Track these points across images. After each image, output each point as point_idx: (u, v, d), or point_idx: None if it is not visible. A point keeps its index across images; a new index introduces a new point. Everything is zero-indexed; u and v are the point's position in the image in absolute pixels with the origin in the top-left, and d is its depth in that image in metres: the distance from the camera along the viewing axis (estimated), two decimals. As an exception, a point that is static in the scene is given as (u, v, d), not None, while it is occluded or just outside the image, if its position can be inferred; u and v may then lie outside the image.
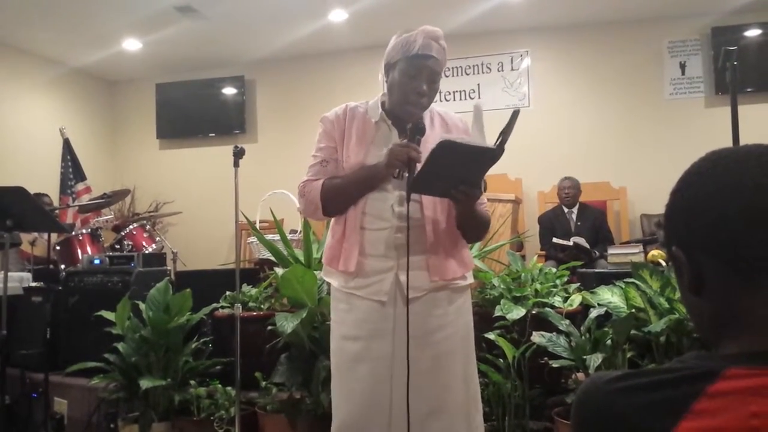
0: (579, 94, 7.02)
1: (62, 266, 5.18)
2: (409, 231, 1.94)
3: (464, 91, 7.27)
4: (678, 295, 2.87)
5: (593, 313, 3.02)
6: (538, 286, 3.32)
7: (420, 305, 2.00)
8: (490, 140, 1.90)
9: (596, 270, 4.42)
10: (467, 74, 7.28)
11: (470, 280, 2.16)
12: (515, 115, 1.85)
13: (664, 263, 3.80)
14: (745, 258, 0.73)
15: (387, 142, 2.05)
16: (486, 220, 2.13)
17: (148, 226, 5.94)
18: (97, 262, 4.58)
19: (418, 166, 1.88)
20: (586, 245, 5.29)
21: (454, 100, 7.27)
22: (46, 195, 6.30)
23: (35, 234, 5.54)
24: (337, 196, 2.05)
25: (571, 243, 5.26)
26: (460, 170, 1.86)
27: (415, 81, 1.99)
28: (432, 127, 2.10)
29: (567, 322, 3.02)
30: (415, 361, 1.95)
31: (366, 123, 2.10)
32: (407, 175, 1.91)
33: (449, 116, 2.18)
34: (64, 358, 3.89)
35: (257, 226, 4.34)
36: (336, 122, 2.12)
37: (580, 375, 3.00)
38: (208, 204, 7.44)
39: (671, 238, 0.81)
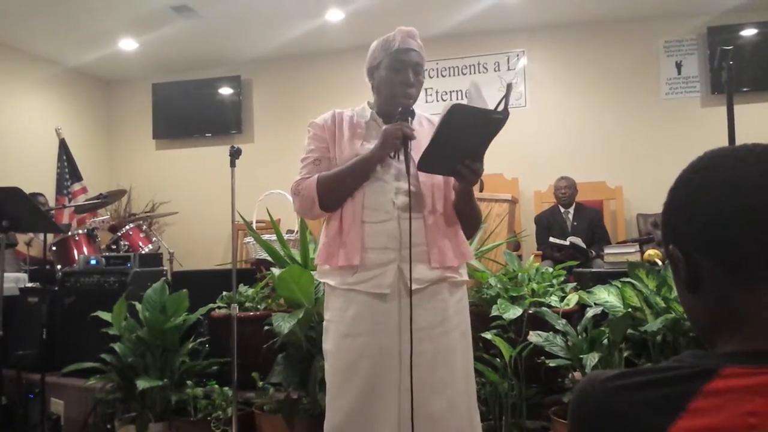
0: (575, 94, 7.02)
1: (58, 267, 5.17)
2: (411, 213, 1.97)
3: (461, 90, 7.26)
4: (674, 294, 2.88)
5: (590, 313, 3.03)
6: (535, 286, 3.32)
7: (421, 298, 2.01)
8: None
9: (593, 269, 4.42)
10: (464, 74, 7.27)
11: (466, 276, 2.17)
12: (510, 86, 1.93)
13: (660, 263, 3.81)
14: (741, 257, 0.73)
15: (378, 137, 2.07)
16: (479, 211, 2.17)
17: (144, 227, 5.93)
18: (93, 262, 4.57)
19: (415, 151, 1.92)
20: (583, 245, 5.29)
21: (451, 99, 7.26)
22: (41, 194, 6.28)
23: (31, 234, 5.54)
24: (334, 186, 2.04)
25: (567, 243, 5.27)
26: (468, 139, 1.90)
27: (401, 74, 2.06)
28: (422, 127, 2.15)
29: (563, 321, 3.02)
30: (417, 355, 1.96)
31: (356, 123, 2.14)
32: (403, 155, 1.97)
33: (434, 119, 2.21)
34: (61, 359, 3.88)
35: (254, 226, 4.34)
36: (325, 125, 2.15)
37: (577, 374, 3.01)
38: (205, 204, 7.44)
39: (668, 236, 0.81)
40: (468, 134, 1.88)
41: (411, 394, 1.92)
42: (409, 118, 2.02)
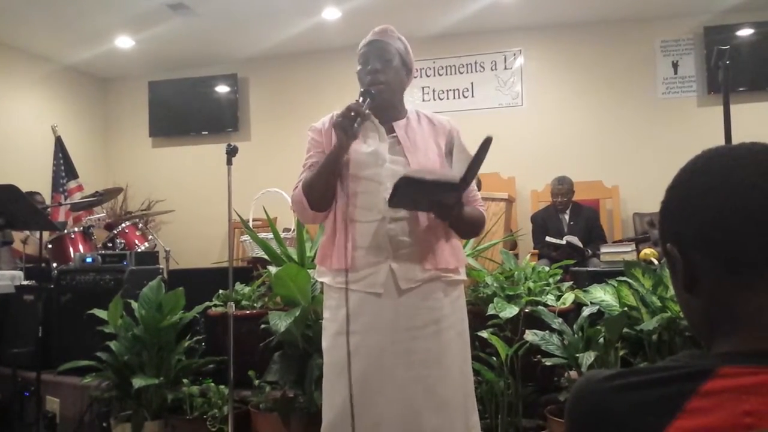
0: (572, 93, 7.03)
1: (54, 264, 5.16)
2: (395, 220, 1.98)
3: (458, 89, 7.27)
4: (670, 293, 2.88)
5: (586, 312, 3.03)
6: (531, 285, 3.33)
7: (414, 296, 2.02)
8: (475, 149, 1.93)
9: (589, 268, 4.42)
10: (461, 73, 7.27)
11: (463, 276, 2.17)
12: (487, 143, 1.88)
13: (656, 262, 3.81)
14: (739, 257, 0.73)
15: (375, 137, 2.10)
16: (480, 218, 2.14)
17: (140, 225, 5.93)
18: (89, 260, 4.56)
19: (409, 148, 1.95)
20: (580, 244, 5.29)
21: (448, 98, 7.27)
22: (38, 193, 6.27)
23: (27, 232, 5.52)
24: (314, 183, 2.06)
25: (563, 242, 5.27)
26: (430, 196, 1.94)
27: (366, 65, 2.11)
28: (420, 126, 2.15)
29: (560, 320, 3.03)
30: (410, 354, 1.97)
31: None
32: (357, 126, 1.95)
33: (436, 117, 2.23)
34: (56, 357, 3.87)
35: (250, 224, 4.33)
36: (323, 129, 2.17)
37: (573, 373, 3.01)
38: (201, 202, 7.42)
39: (666, 235, 0.81)
40: (427, 194, 1.92)
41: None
42: (368, 99, 2.01)
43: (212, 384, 3.35)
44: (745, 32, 6.52)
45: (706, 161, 0.79)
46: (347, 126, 1.93)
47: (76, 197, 7.08)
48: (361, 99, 2.00)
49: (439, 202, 1.95)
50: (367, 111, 1.97)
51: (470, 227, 2.12)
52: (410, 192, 1.88)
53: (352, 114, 1.93)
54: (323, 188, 2.06)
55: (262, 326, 3.13)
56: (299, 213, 2.13)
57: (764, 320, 0.72)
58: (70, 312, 4.09)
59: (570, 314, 3.21)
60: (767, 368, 0.67)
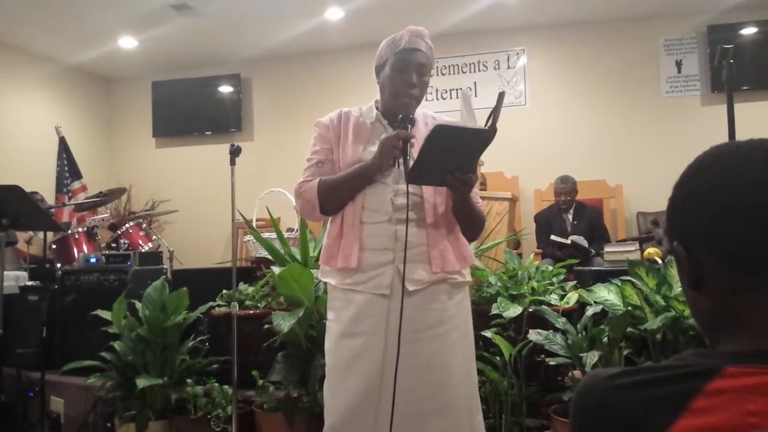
0: (575, 92, 7.02)
1: (58, 265, 5.17)
2: (407, 223, 1.96)
3: (461, 89, 7.25)
4: (674, 292, 2.88)
5: (589, 311, 3.02)
6: (535, 284, 3.32)
7: (420, 298, 2.01)
8: (481, 123, 1.92)
9: (592, 268, 4.41)
10: (464, 72, 7.27)
11: (469, 277, 2.17)
12: (501, 96, 1.90)
13: (660, 261, 3.80)
14: (745, 255, 0.73)
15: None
16: (482, 215, 2.15)
17: (144, 225, 5.94)
18: (93, 260, 4.57)
19: (414, 154, 1.92)
20: (585, 244, 5.28)
21: (451, 98, 7.26)
22: (36, 192, 6.26)
23: (31, 233, 5.54)
24: (334, 192, 2.05)
25: (569, 241, 5.26)
26: (456, 155, 1.89)
27: (404, 74, 2.05)
28: (427, 127, 2.12)
29: (563, 319, 3.02)
30: (415, 356, 1.96)
31: (361, 124, 2.13)
32: (402, 162, 1.95)
33: (441, 118, 2.20)
34: (61, 357, 3.88)
35: (254, 224, 4.34)
36: (331, 125, 2.15)
37: (577, 373, 3.01)
38: (205, 202, 7.43)
39: (673, 232, 0.81)
40: (454, 151, 1.88)
41: (393, 395, 1.92)
42: (409, 126, 2.01)
43: (216, 384, 3.35)
44: (749, 31, 6.51)
45: (713, 158, 0.78)
46: (398, 156, 1.95)
47: (80, 198, 7.09)
48: (399, 123, 2.00)
49: (459, 167, 1.91)
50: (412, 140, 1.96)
51: (474, 218, 2.11)
52: (438, 151, 1.84)
53: (403, 144, 1.93)
54: (345, 199, 2.06)
55: (266, 326, 3.13)
56: (306, 211, 2.12)
57: (769, 320, 0.72)
58: (74, 312, 4.10)
59: (574, 314, 3.20)
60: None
